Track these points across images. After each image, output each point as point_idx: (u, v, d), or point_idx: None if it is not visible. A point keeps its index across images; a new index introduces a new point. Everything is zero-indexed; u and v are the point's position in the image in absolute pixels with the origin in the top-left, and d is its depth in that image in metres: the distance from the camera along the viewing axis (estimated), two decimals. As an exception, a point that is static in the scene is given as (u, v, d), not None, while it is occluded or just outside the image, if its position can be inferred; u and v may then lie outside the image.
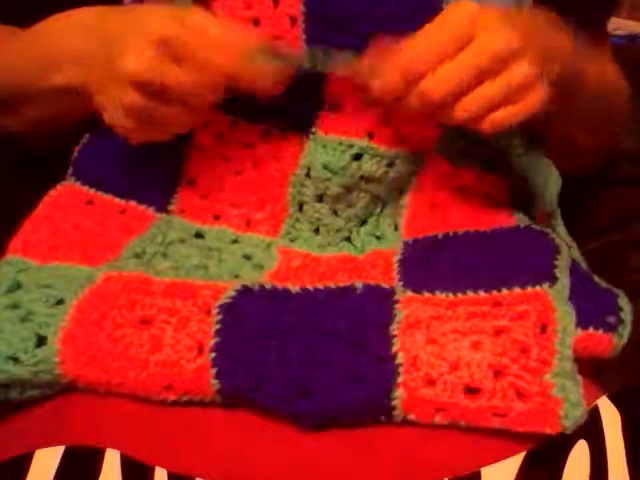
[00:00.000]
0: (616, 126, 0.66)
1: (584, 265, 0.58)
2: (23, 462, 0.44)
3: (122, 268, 0.51)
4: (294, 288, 0.49)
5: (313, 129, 0.56)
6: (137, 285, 0.49)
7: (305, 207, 0.57)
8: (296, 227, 0.57)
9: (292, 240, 0.57)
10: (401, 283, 0.51)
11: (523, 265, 0.51)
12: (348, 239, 0.58)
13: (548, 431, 0.44)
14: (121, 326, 0.47)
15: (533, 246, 0.53)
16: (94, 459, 0.43)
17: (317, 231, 0.58)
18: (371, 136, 0.55)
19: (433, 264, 0.52)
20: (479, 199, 0.59)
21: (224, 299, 0.48)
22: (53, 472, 0.43)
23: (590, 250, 0.60)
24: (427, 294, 0.49)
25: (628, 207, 0.74)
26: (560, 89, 0.51)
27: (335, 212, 0.57)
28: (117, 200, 0.57)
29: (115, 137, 0.55)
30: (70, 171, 0.58)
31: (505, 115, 0.49)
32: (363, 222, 0.58)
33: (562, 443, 0.44)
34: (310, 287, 0.50)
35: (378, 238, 0.58)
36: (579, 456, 0.45)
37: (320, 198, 0.57)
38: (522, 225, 0.57)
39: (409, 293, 0.50)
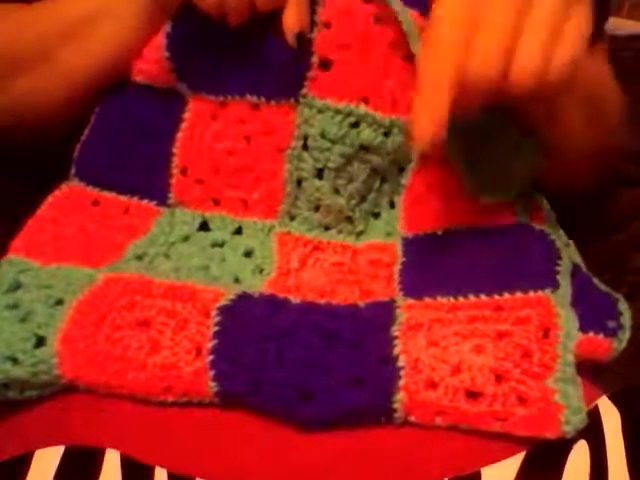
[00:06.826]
0: (603, 132, 0.62)
1: (583, 266, 0.57)
2: (23, 462, 0.43)
3: (123, 270, 0.51)
4: (295, 300, 0.49)
5: (304, 91, 0.53)
6: (137, 287, 0.49)
7: (304, 184, 0.55)
8: (296, 205, 0.56)
9: (291, 218, 0.56)
10: (402, 293, 0.50)
11: (525, 270, 0.50)
12: (348, 218, 0.56)
13: (549, 436, 0.44)
14: (120, 327, 0.47)
15: (534, 249, 0.52)
16: (94, 459, 0.43)
17: (317, 209, 0.56)
18: (366, 101, 0.53)
19: (434, 269, 0.51)
20: None
21: (223, 301, 0.48)
22: (53, 472, 0.43)
23: (591, 250, 0.60)
24: (428, 300, 0.49)
25: (629, 208, 0.74)
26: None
27: (337, 190, 0.55)
28: (121, 198, 0.57)
29: (115, 129, 0.55)
30: (73, 171, 0.57)
31: (563, 53, 0.45)
32: (363, 199, 0.56)
33: (562, 443, 0.44)
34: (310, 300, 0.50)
35: (375, 216, 0.57)
36: (579, 456, 0.44)
37: (320, 174, 0.54)
38: (523, 223, 0.55)
39: (410, 301, 0.49)
